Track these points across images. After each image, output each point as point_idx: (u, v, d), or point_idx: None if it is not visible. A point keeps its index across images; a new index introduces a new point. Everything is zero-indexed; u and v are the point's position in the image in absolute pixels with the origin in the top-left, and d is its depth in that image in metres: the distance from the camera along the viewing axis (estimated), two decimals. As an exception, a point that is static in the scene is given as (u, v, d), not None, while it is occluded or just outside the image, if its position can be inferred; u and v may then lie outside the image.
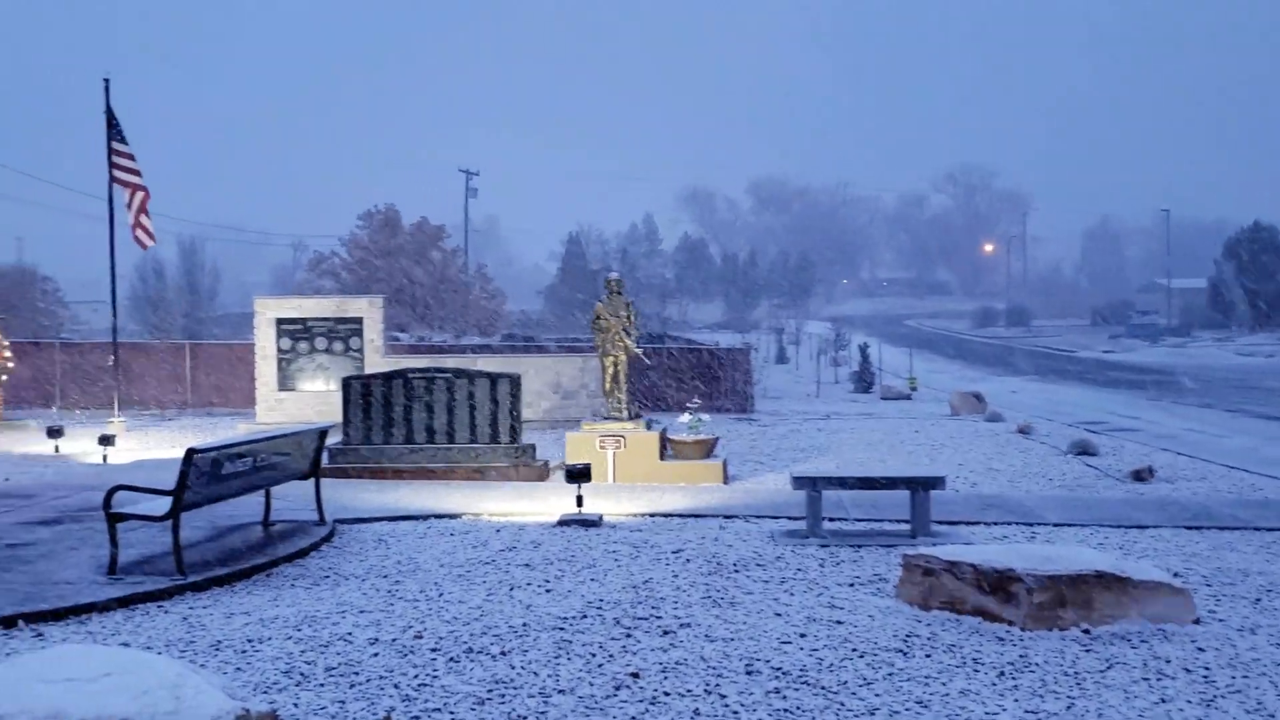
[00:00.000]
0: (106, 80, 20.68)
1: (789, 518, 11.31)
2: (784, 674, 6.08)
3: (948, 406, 27.21)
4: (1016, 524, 11.18)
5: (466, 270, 47.00)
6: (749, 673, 6.11)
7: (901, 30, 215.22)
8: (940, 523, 10.84)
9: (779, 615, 7.39)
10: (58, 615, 7.40)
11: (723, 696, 5.70)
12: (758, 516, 11.51)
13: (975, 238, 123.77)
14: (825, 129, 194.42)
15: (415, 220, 42.73)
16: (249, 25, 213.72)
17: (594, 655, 6.45)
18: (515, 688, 5.85)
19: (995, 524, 11.17)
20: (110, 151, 20.72)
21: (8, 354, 21.32)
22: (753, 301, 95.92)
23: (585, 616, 7.36)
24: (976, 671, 6.16)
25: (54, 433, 18.20)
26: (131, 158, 20.80)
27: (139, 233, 20.89)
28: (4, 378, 21.37)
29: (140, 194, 20.74)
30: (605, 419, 14.52)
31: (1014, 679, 6.02)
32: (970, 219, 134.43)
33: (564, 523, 10.94)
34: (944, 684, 5.93)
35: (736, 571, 8.80)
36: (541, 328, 53.84)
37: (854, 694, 5.76)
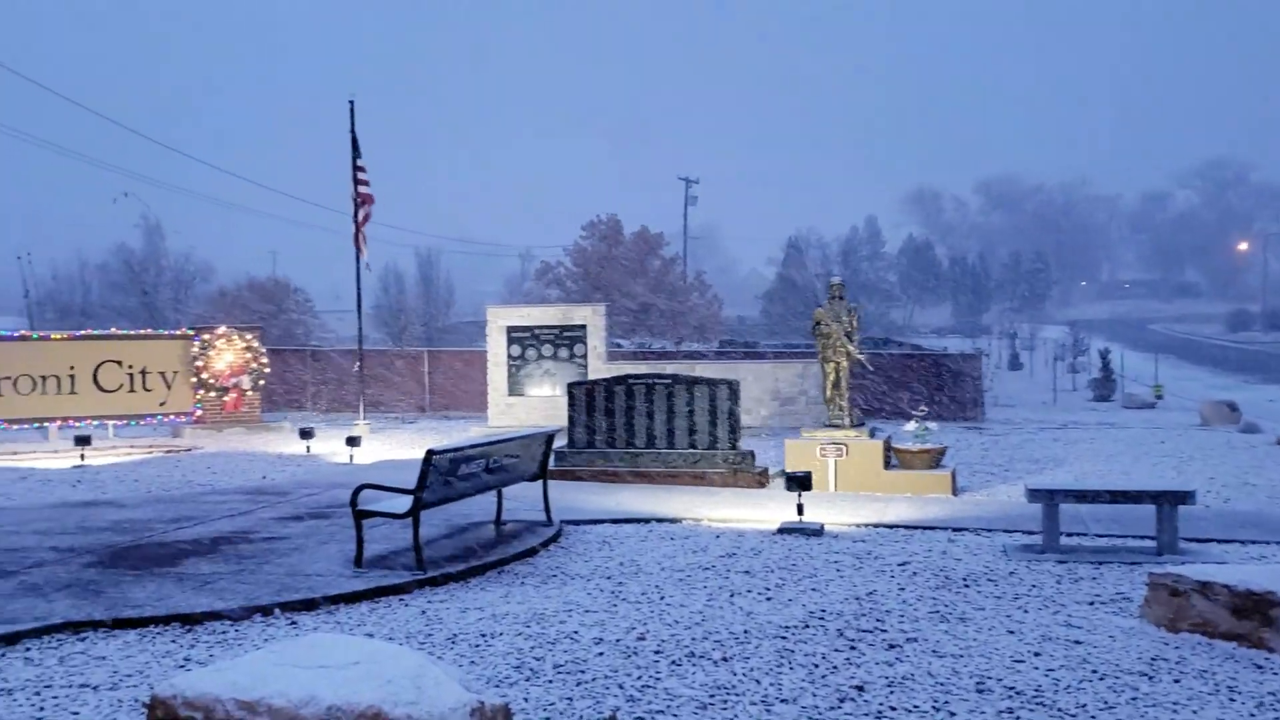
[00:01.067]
0: (351, 102, 22.04)
1: (1023, 532, 10.84)
2: (1017, 694, 5.82)
3: (1197, 416, 25.46)
4: (1276, 544, 10.32)
5: (685, 277, 47.46)
6: (980, 691, 5.88)
7: (1143, 19, 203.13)
8: (1189, 540, 10.14)
9: (1012, 633, 7.09)
10: (309, 605, 7.91)
11: (952, 714, 5.51)
12: (989, 530, 11.08)
13: (1227, 236, 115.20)
14: (1058, 124, 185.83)
15: (636, 229, 43.50)
16: (479, 44, 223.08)
17: (816, 666, 6.36)
18: (737, 694, 5.83)
19: (1251, 543, 10.34)
20: (354, 170, 22.06)
21: (264, 360, 23.02)
22: (982, 305, 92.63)
23: (807, 626, 7.28)
24: (1232, 700, 5.71)
25: (305, 434, 19.52)
26: (366, 183, 22.08)
27: (363, 254, 22.23)
28: (261, 383, 23.08)
29: (366, 213, 22.02)
30: (826, 426, 14.33)
31: (1276, 710, 5.55)
32: (1221, 216, 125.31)
33: (784, 531, 10.86)
34: (1194, 712, 5.53)
35: (966, 586, 8.50)
36: (759, 333, 53.72)
37: (1093, 718, 5.45)
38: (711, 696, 5.80)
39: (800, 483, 11.36)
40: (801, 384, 22.95)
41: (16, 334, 21.59)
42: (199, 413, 22.00)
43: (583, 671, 6.25)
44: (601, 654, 6.61)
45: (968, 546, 10.19)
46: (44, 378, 20.58)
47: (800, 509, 11.29)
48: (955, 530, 11.04)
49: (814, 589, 8.40)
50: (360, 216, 22.03)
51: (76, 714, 5.68)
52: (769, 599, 8.08)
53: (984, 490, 13.95)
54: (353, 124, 21.99)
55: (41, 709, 5.78)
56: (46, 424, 20.64)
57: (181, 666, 6.47)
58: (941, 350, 30.04)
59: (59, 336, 21.52)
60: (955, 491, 13.55)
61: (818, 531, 10.76)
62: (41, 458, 18.53)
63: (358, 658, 4.22)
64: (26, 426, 20.78)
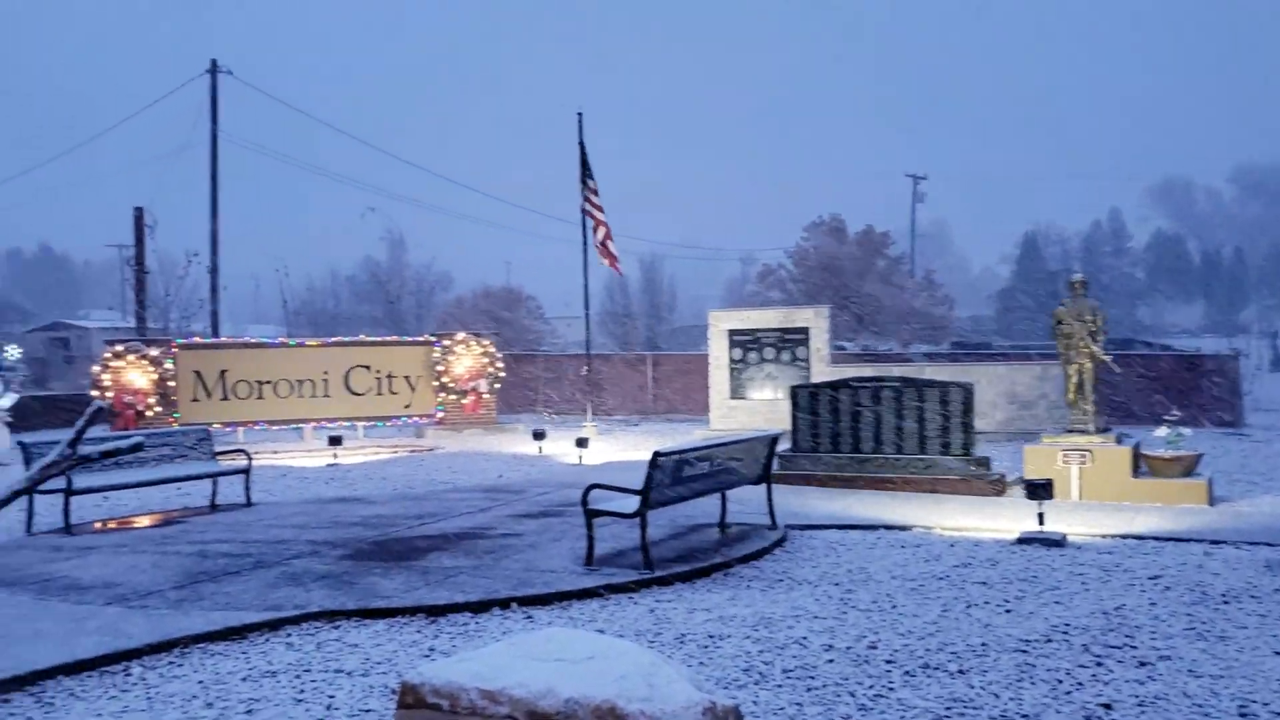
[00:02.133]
0: (580, 114, 22.63)
1: (1290, 546, 9.99)
2: (1290, 723, 5.35)
3: None
4: None
5: (913, 277, 46.26)
6: (1243, 715, 5.44)
7: None
8: None
9: (1279, 654, 6.53)
10: (544, 600, 8.16)
11: (1214, 741, 5.12)
12: (1250, 543, 10.25)
13: None
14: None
15: (861, 229, 42.74)
16: (699, 45, 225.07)
17: (1060, 681, 6.05)
18: (975, 708, 5.62)
19: None
20: (583, 181, 22.65)
21: (500, 365, 23.95)
22: (1239, 303, 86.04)
23: (1050, 640, 6.93)
24: None
25: (538, 435, 20.18)
26: (595, 192, 22.60)
27: (606, 262, 22.71)
28: (497, 386, 24.02)
29: (603, 228, 22.51)
30: (1068, 431, 13.62)
31: None
32: None
33: (1024, 540, 10.39)
34: None
35: (1225, 603, 7.89)
36: (993, 334, 51.72)
37: (1384, 755, 4.94)
38: (947, 709, 5.60)
39: (1041, 491, 10.85)
40: (1041, 387, 21.94)
41: (277, 341, 23.31)
42: (440, 415, 23.10)
43: (812, 678, 6.17)
44: (832, 661, 6.51)
45: (1226, 560, 9.46)
46: (300, 382, 22.12)
47: (1041, 518, 10.78)
48: (1212, 543, 10.27)
49: (1056, 602, 8.00)
50: (600, 235, 22.55)
51: (332, 697, 6.06)
52: (1008, 611, 7.75)
53: (1245, 500, 12.92)
54: (581, 135, 22.57)
55: (302, 691, 6.19)
56: (302, 425, 22.17)
57: (426, 656, 6.79)
58: (1194, 351, 28.04)
59: (314, 344, 23.08)
60: (1211, 502, 12.60)
61: (1060, 542, 10.24)
62: (298, 456, 19.91)
63: (592, 653, 4.30)
64: (285, 427, 22.40)
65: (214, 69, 32.52)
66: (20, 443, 12.04)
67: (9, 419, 19.62)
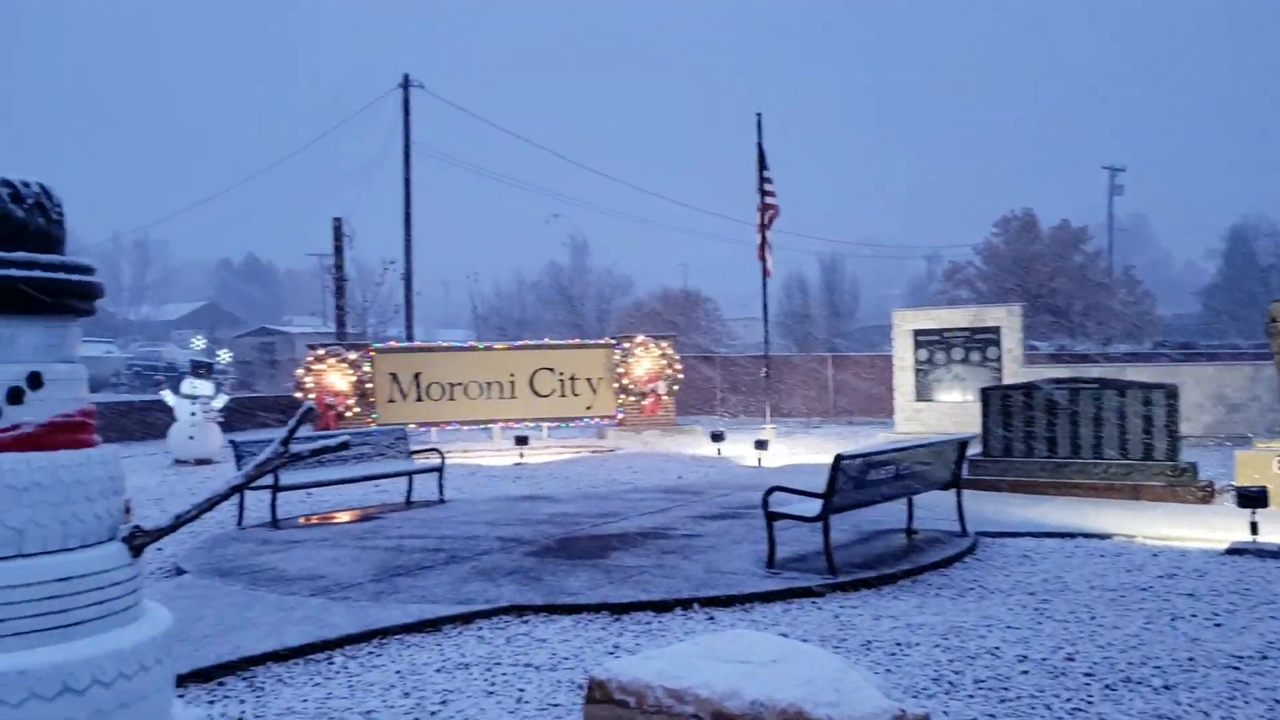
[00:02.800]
0: (759, 115, 22.56)
1: None
2: None
3: None
4: None
5: (1110, 274, 44.14)
6: None
7: None
8: None
9: None
10: (725, 602, 8.15)
11: None
12: None
13: None
14: None
15: (1054, 224, 41.08)
16: (880, 37, 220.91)
17: (1278, 701, 5.65)
18: (1184, 728, 5.30)
19: None
20: (761, 181, 22.56)
21: (678, 367, 24.10)
22: None
23: (1265, 657, 6.48)
24: None
25: (716, 437, 20.21)
26: (773, 194, 22.46)
27: (766, 263, 22.58)
28: (676, 388, 24.18)
29: (770, 217, 22.35)
30: (1284, 435, 12.72)
31: None
32: None
33: (1235, 551, 9.76)
34: None
35: None
36: (1197, 333, 48.84)
37: None
38: (1153, 728, 5.31)
39: (1254, 500, 10.17)
40: (1252, 389, 20.58)
41: (467, 345, 24.12)
42: (620, 416, 23.42)
43: (1005, 689, 5.95)
44: (1026, 672, 6.26)
45: None
46: (489, 384, 22.81)
47: (1254, 528, 10.11)
48: None
49: (1272, 616, 7.48)
50: (765, 219, 22.46)
51: (522, 690, 6.21)
52: (1218, 625, 7.29)
53: None
54: (760, 136, 22.50)
55: (493, 684, 6.36)
56: (490, 425, 22.86)
57: (611, 653, 6.88)
58: None
59: (501, 347, 23.78)
60: None
61: (1276, 553, 9.58)
62: (487, 455, 20.53)
63: (777, 655, 4.27)
64: (474, 427, 23.15)
65: (406, 83, 33.90)
66: (232, 441, 12.83)
67: (220, 419, 20.93)
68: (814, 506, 9.06)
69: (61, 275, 3.15)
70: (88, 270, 3.27)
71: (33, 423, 3.06)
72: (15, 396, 3.05)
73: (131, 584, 3.30)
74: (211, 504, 3.55)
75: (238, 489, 3.48)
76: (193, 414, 20.04)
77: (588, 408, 23.27)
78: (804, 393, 29.79)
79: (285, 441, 3.44)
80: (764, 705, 3.81)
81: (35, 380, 3.10)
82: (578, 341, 25.35)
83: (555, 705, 5.94)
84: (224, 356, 22.92)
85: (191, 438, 19.96)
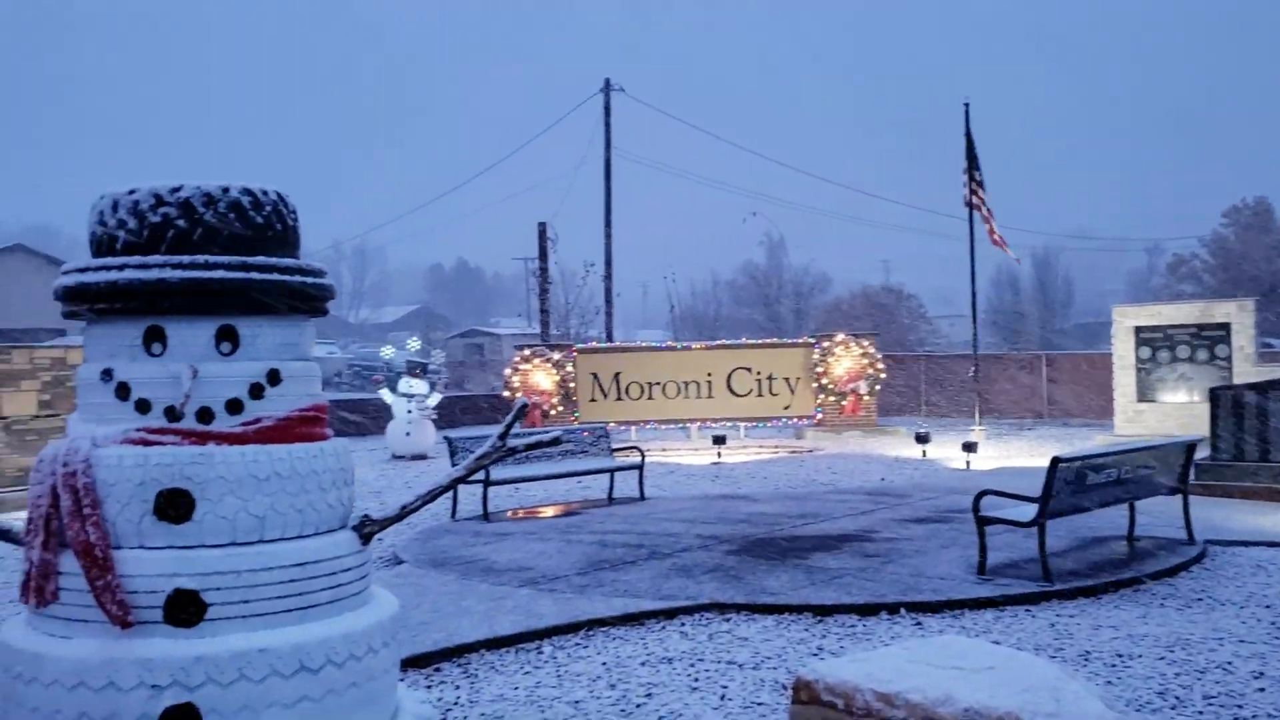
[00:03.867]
0: (966, 105, 21.86)
1: None
2: None
3: None
4: None
5: (1357, 265, 40.62)
6: None
7: None
8: None
9: None
10: (934, 608, 7.93)
11: None
12: None
13: None
14: None
15: (1291, 213, 38.18)
16: (1094, 21, 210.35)
17: None
18: None
19: None
20: (969, 173, 21.84)
21: (880, 366, 23.62)
22: None
23: None
24: None
25: (921, 439, 19.70)
26: (981, 185, 21.69)
27: (1002, 246, 21.78)
28: (877, 388, 23.71)
29: (987, 223, 21.57)
30: None
31: None
32: None
33: None
34: None
35: None
36: None
37: None
38: None
39: None
40: None
41: (665, 345, 24.36)
42: (819, 416, 23.15)
43: (1240, 706, 5.57)
44: (1262, 690, 5.84)
45: None
46: (686, 383, 22.97)
47: None
48: None
49: None
50: (985, 211, 21.70)
51: (725, 688, 6.22)
52: None
53: None
54: (968, 126, 21.80)
55: (696, 680, 6.40)
56: (688, 424, 23.01)
57: (815, 654, 6.81)
58: None
59: (699, 347, 23.90)
60: None
61: None
62: (685, 454, 20.67)
63: (992, 663, 4.12)
64: (672, 426, 23.35)
65: (607, 87, 34.54)
66: (446, 438, 13.39)
67: (434, 416, 21.85)
68: (1029, 511, 8.71)
69: (297, 278, 3.35)
70: (320, 273, 3.48)
71: (272, 416, 3.27)
72: (256, 392, 3.27)
73: (361, 570, 3.48)
74: (434, 495, 3.71)
75: (459, 481, 3.63)
76: (409, 411, 20.99)
77: (785, 407, 23.10)
78: (1015, 393, 28.68)
79: (502, 436, 3.57)
80: (978, 713, 3.69)
81: (274, 377, 3.31)
82: (775, 341, 25.21)
83: (759, 704, 5.92)
84: (437, 356, 23.94)
85: (408, 434, 20.91)
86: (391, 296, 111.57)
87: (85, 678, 2.99)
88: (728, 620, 7.81)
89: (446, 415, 25.72)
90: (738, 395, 22.99)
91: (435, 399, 22.08)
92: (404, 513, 3.58)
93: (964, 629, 7.39)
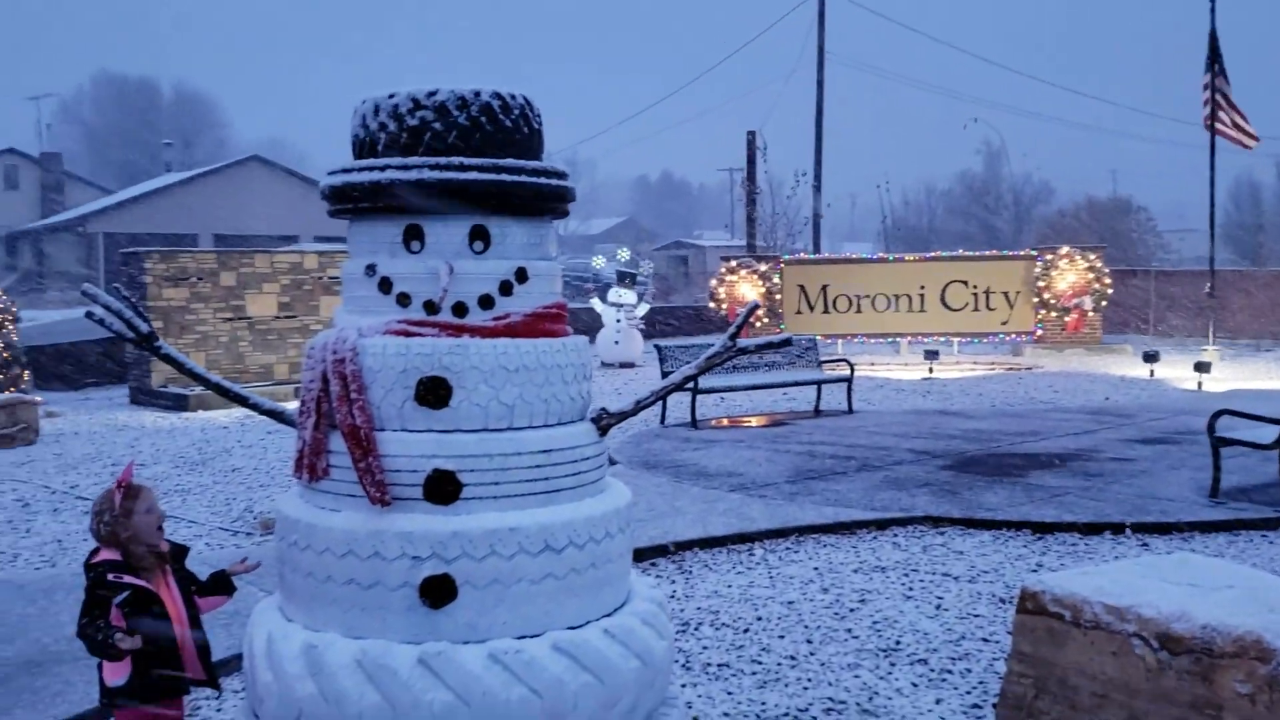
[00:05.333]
0: (1212, 2, 20.19)
1: None
2: None
3: None
4: None
5: None
6: None
7: None
8: None
9: None
10: (1161, 529, 7.65)
11: None
12: None
13: None
14: None
15: None
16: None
17: None
18: None
19: None
20: (1211, 73, 20.23)
21: (1107, 281, 22.45)
22: None
23: None
24: None
25: (1149, 358, 18.71)
26: (1226, 81, 20.04)
27: (1237, 140, 20.17)
28: (1103, 304, 22.58)
29: (1232, 113, 19.96)
30: None
31: None
32: None
33: None
34: None
35: None
36: None
37: None
38: None
39: None
40: None
41: (876, 257, 23.86)
42: (1039, 332, 22.26)
43: None
44: None
45: None
46: (897, 297, 22.47)
47: None
48: None
49: None
50: (1229, 119, 20.11)
51: (940, 599, 6.21)
52: None
53: None
54: (1213, 21, 20.14)
55: (910, 589, 6.42)
56: (898, 339, 22.58)
57: (1034, 570, 6.70)
58: None
59: (912, 259, 23.28)
60: None
61: None
62: (894, 369, 20.35)
63: (1231, 581, 3.97)
64: (881, 340, 22.97)
65: (820, -10, 33.50)
66: (656, 345, 13.65)
67: (641, 326, 22.21)
68: (1269, 433, 8.23)
69: (543, 180, 3.48)
70: (563, 175, 3.59)
71: (519, 313, 3.43)
72: (505, 289, 3.43)
73: (599, 459, 3.65)
74: (667, 392, 3.83)
75: (690, 378, 3.72)
76: (618, 320, 21.43)
77: (1003, 323, 22.31)
78: (1253, 311, 26.75)
79: (733, 337, 3.63)
80: (1216, 630, 3.57)
81: (521, 275, 3.47)
82: (994, 253, 24.31)
83: (976, 615, 5.90)
84: (646, 267, 24.27)
85: (616, 343, 21.37)
86: (599, 208, 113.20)
87: (354, 547, 3.27)
88: (942, 534, 7.76)
89: (651, 326, 26.08)
90: (952, 310, 22.34)
91: (644, 309, 22.42)
92: (638, 407, 3.71)
93: (1193, 551, 7.10)
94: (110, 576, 3.44)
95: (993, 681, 4.87)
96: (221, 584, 3.84)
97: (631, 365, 21.35)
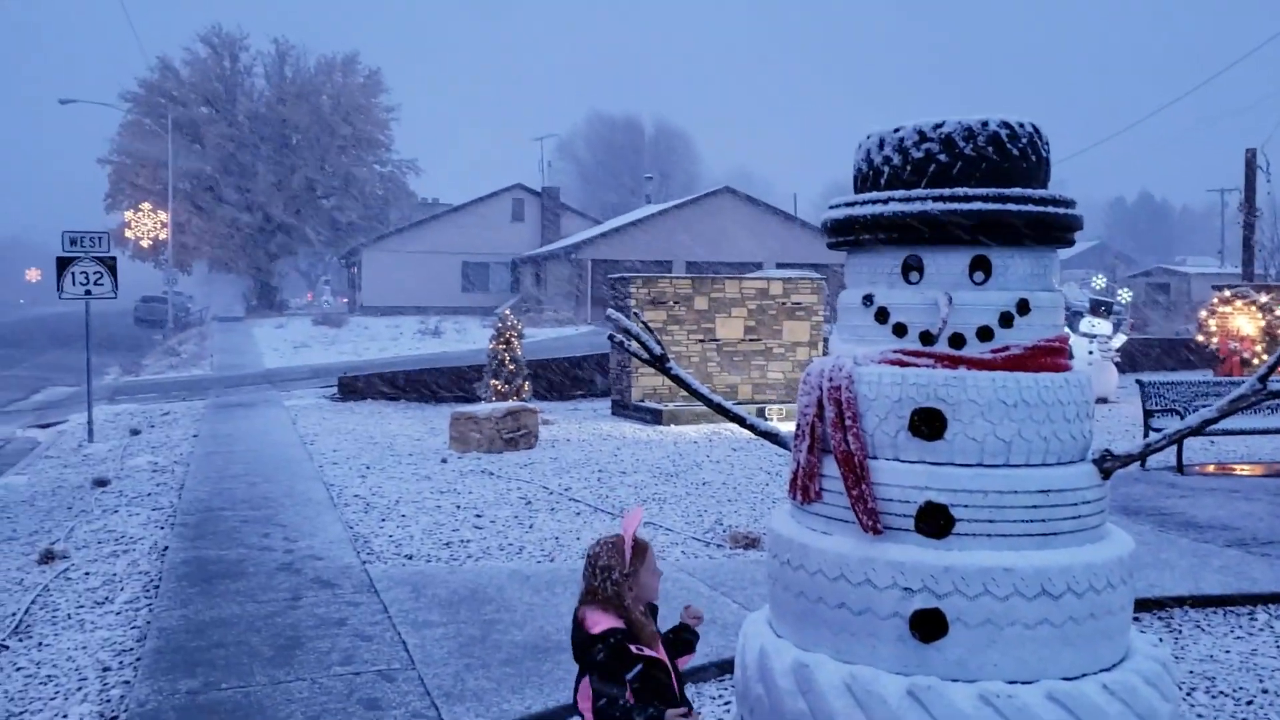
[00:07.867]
0: None
1: None
2: None
3: None
4: None
5: None
6: None
7: None
8: None
9: None
10: None
11: None
12: None
13: None
14: None
15: None
16: None
17: None
18: None
19: None
20: None
21: None
22: None
23: None
24: None
25: None
26: None
27: None
28: None
29: None
30: None
31: None
32: None
33: None
34: None
35: None
36: None
37: None
38: None
39: None
40: None
41: None
42: None
43: None
44: None
45: None
46: None
47: None
48: None
49: None
50: None
51: None
52: None
53: None
54: None
55: None
56: None
57: None
58: None
59: None
60: None
61: None
62: None
63: None
64: None
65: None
66: (1139, 381, 12.65)
67: (1117, 359, 20.62)
68: None
69: (1050, 209, 3.35)
70: (1070, 204, 3.44)
71: (1019, 345, 3.33)
72: (1006, 321, 3.34)
73: (1100, 504, 3.44)
74: (1181, 436, 3.55)
75: (1210, 422, 3.42)
76: (1090, 352, 20.09)
77: None
78: None
79: (1263, 379, 3.29)
80: None
81: (1023, 306, 3.37)
82: None
83: None
84: (1124, 295, 22.44)
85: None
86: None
87: (845, 572, 3.32)
88: None
89: (1127, 358, 24.15)
90: None
91: (1119, 340, 20.88)
92: (1147, 450, 3.47)
93: None
94: (633, 649, 3.31)
95: None
96: (684, 641, 3.65)
97: (1104, 400, 19.91)
